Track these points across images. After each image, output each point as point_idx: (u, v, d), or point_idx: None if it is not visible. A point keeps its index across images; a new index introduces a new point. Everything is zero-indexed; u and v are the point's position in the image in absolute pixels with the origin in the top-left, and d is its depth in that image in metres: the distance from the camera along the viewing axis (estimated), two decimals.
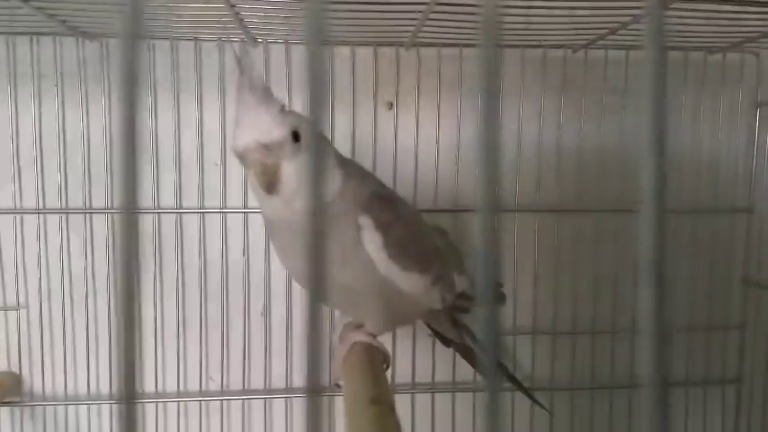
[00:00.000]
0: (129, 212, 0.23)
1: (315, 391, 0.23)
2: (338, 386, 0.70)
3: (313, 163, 0.55)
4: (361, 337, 0.71)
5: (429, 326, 0.87)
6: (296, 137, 0.57)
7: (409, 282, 0.67)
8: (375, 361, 0.67)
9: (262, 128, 0.56)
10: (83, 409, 0.95)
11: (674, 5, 0.72)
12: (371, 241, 0.63)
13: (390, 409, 0.53)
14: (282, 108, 0.58)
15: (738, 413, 1.04)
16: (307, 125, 0.60)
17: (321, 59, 0.23)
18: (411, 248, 0.67)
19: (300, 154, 0.57)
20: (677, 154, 1.01)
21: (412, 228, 0.70)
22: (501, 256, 0.95)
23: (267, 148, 0.56)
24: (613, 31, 0.85)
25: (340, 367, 0.70)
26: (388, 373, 0.93)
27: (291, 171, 0.57)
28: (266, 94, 0.58)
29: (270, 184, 0.56)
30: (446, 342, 0.87)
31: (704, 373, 1.03)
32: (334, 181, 0.62)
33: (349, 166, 0.66)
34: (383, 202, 0.66)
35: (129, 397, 0.23)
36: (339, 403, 0.78)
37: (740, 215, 1.03)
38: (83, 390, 0.95)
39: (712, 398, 1.05)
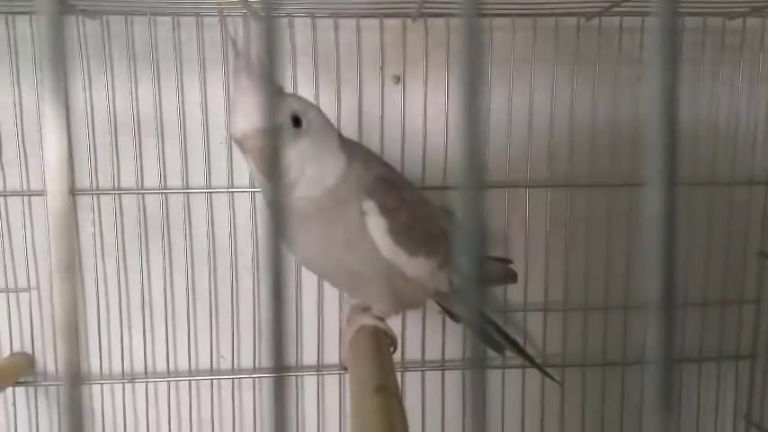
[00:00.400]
0: (65, 194, 0.23)
1: (280, 372, 0.23)
2: (345, 369, 0.69)
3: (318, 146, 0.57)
4: (368, 320, 0.70)
5: (439, 303, 0.86)
6: (296, 121, 0.56)
7: (416, 267, 0.67)
8: (382, 345, 0.66)
9: (260, 112, 0.53)
10: (96, 388, 0.96)
11: None
12: (376, 227, 0.62)
13: (395, 398, 0.53)
14: (281, 91, 0.57)
15: (752, 389, 1.03)
16: (309, 109, 0.59)
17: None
18: (417, 233, 0.66)
19: (301, 139, 0.56)
20: (694, 124, 0.98)
21: (417, 211, 0.68)
22: (486, 232, 0.93)
23: (266, 133, 0.52)
24: None
25: (347, 351, 0.69)
26: (398, 351, 0.93)
27: (292, 157, 0.56)
28: (264, 76, 0.55)
29: (270, 170, 0.52)
30: (456, 318, 0.87)
31: (718, 349, 1.02)
32: (338, 165, 0.61)
33: (352, 148, 0.65)
34: (388, 186, 0.64)
35: (74, 379, 0.24)
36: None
37: (758, 187, 1.00)
38: (95, 369, 0.95)
39: (726, 374, 1.04)
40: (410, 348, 0.98)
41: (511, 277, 0.86)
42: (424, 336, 0.98)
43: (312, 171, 0.58)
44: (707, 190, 0.98)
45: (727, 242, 1.00)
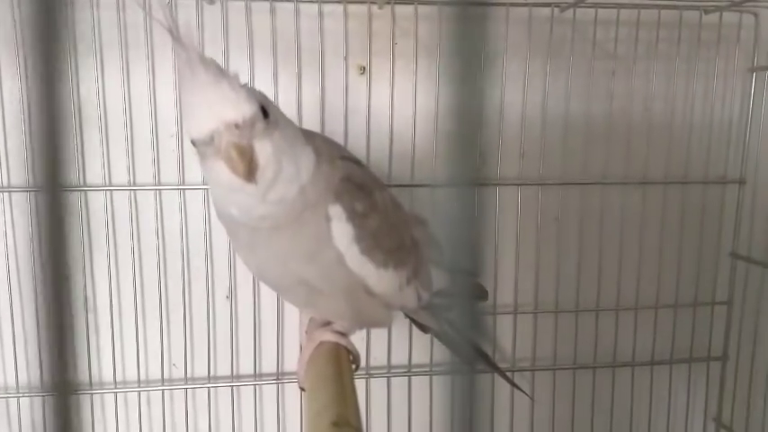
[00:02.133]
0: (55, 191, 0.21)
1: (62, 389, 0.21)
2: (303, 390, 0.63)
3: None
4: (328, 335, 0.64)
5: (406, 314, 0.80)
6: (265, 113, 0.49)
7: (383, 281, 0.61)
8: (343, 367, 0.59)
9: (229, 105, 0.46)
10: (37, 400, 0.88)
11: None
12: (342, 234, 0.56)
13: None
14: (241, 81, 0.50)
15: (722, 391, 1.02)
16: (268, 99, 0.52)
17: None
18: (386, 242, 0.60)
19: (274, 132, 0.49)
20: (668, 120, 0.95)
21: (388, 217, 0.62)
22: (482, 244, 0.89)
23: (239, 127, 0.46)
24: None
25: (303, 371, 0.63)
26: (363, 356, 0.89)
27: (268, 152, 0.48)
28: (219, 67, 0.49)
29: (249, 169, 0.47)
30: (423, 329, 0.81)
31: (689, 350, 1.00)
32: (309, 160, 0.53)
33: (316, 141, 0.57)
34: (356, 188, 0.58)
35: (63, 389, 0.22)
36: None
37: (731, 186, 0.98)
38: (35, 379, 0.88)
39: (697, 376, 1.02)
40: (376, 353, 0.93)
41: (481, 294, 0.77)
42: (390, 340, 0.93)
43: (289, 168, 0.50)
44: (680, 188, 0.96)
45: (699, 242, 0.97)
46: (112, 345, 0.88)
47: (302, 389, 0.64)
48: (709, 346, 1.01)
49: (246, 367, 0.91)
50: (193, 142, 0.49)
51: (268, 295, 0.89)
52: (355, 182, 0.58)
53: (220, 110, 0.46)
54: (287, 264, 0.57)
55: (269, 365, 0.92)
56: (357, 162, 0.63)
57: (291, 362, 0.91)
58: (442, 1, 0.85)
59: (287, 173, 0.50)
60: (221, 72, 0.48)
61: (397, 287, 0.63)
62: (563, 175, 0.93)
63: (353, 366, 0.64)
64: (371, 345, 0.93)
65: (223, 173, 0.48)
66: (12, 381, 0.87)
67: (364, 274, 0.59)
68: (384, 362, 0.94)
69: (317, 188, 0.54)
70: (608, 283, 0.96)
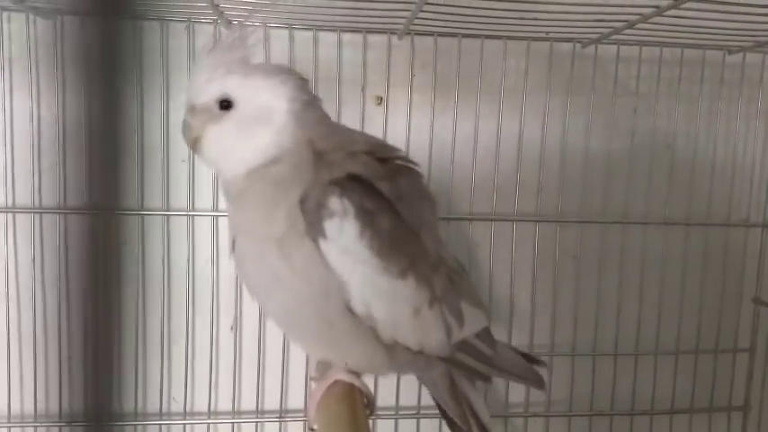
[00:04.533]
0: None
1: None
2: (312, 430, 0.60)
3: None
4: (342, 375, 0.59)
5: (436, 403, 0.70)
6: (226, 105, 0.54)
7: (392, 293, 0.53)
8: (357, 409, 0.54)
9: (194, 93, 0.55)
10: (28, 431, 0.85)
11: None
12: (344, 231, 0.51)
13: None
14: (229, 68, 0.54)
15: None
16: (250, 89, 0.54)
17: None
18: (405, 242, 0.55)
19: (226, 122, 0.54)
20: (691, 161, 0.92)
21: (408, 213, 0.55)
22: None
23: (194, 110, 0.55)
24: (631, 25, 0.76)
25: (314, 411, 0.58)
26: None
27: (211, 134, 0.55)
28: (210, 61, 0.55)
29: (191, 142, 0.56)
30: (453, 425, 0.68)
31: (709, 399, 0.96)
32: (269, 151, 0.54)
33: (343, 136, 0.58)
34: (365, 185, 0.54)
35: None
36: None
37: (754, 230, 0.95)
38: (29, 409, 0.84)
39: (718, 426, 0.97)
40: (383, 393, 0.89)
41: (535, 381, 0.66)
42: (399, 379, 0.89)
43: (231, 149, 0.55)
44: (702, 230, 0.93)
45: (721, 286, 0.94)
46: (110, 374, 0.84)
47: (312, 429, 0.60)
48: (731, 394, 0.97)
49: (249, 403, 0.88)
50: None
51: (274, 326, 0.86)
52: (362, 179, 0.54)
53: (189, 93, 0.56)
54: (250, 248, 0.55)
55: (272, 401, 0.88)
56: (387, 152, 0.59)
57: (295, 399, 0.87)
58: (462, 33, 0.84)
59: (231, 154, 0.55)
60: (201, 65, 0.56)
61: (411, 310, 0.55)
62: (581, 212, 0.90)
63: (367, 412, 0.59)
64: (378, 383, 0.89)
65: None
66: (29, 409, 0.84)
67: (369, 283, 0.53)
68: (392, 402, 0.90)
69: (291, 167, 0.54)
70: (627, 326, 0.93)
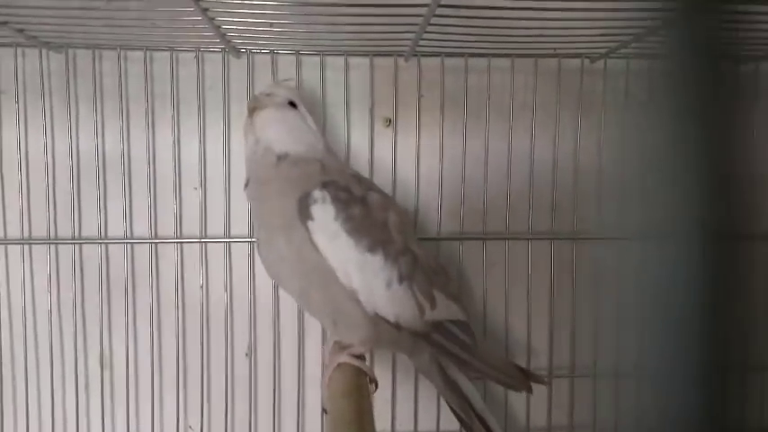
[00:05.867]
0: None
1: None
2: (325, 411, 0.65)
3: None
4: (344, 357, 0.67)
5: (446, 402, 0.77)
6: (292, 104, 0.71)
7: (365, 266, 0.64)
8: (362, 386, 0.63)
9: (272, 88, 0.72)
10: None
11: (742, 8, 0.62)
12: (323, 213, 0.64)
13: None
14: (293, 90, 0.74)
15: None
16: (304, 108, 0.71)
17: None
18: (373, 228, 0.66)
19: (286, 110, 0.70)
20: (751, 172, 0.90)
21: (376, 212, 0.68)
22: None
23: (268, 96, 0.70)
24: (639, 38, 0.75)
25: (325, 391, 0.66)
26: (388, 422, 0.84)
27: (272, 113, 0.69)
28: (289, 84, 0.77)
29: (252, 110, 0.69)
30: (464, 423, 0.76)
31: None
32: (312, 145, 0.70)
33: (346, 169, 0.73)
34: (342, 188, 0.67)
35: None
36: None
37: None
38: None
39: None
40: (401, 418, 0.88)
41: (519, 384, 0.73)
42: (417, 404, 0.88)
43: (277, 131, 0.68)
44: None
45: None
46: (126, 403, 0.85)
47: (324, 410, 0.67)
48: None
49: (265, 429, 0.87)
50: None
51: (289, 351, 0.86)
52: (340, 184, 0.67)
53: (265, 88, 0.73)
54: (268, 220, 0.67)
55: (289, 427, 0.87)
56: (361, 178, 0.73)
57: (312, 426, 0.86)
58: (468, 53, 0.84)
59: (276, 131, 0.68)
60: (284, 83, 0.78)
61: (384, 281, 0.65)
62: (598, 228, 0.89)
63: (372, 387, 0.67)
64: (396, 408, 0.88)
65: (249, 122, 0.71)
66: None
67: (345, 257, 0.64)
68: (411, 427, 0.88)
69: (304, 170, 0.67)
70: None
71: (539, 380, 0.74)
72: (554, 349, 0.89)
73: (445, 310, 0.69)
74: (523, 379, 0.72)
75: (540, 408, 0.89)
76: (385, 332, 0.67)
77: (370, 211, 0.67)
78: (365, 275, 0.64)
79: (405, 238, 0.69)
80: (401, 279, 0.66)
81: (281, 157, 0.67)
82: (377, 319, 0.66)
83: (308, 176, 0.66)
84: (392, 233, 0.68)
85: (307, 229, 0.64)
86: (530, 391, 0.73)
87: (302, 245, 0.64)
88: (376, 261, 0.65)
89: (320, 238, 0.64)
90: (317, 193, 0.65)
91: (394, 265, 0.66)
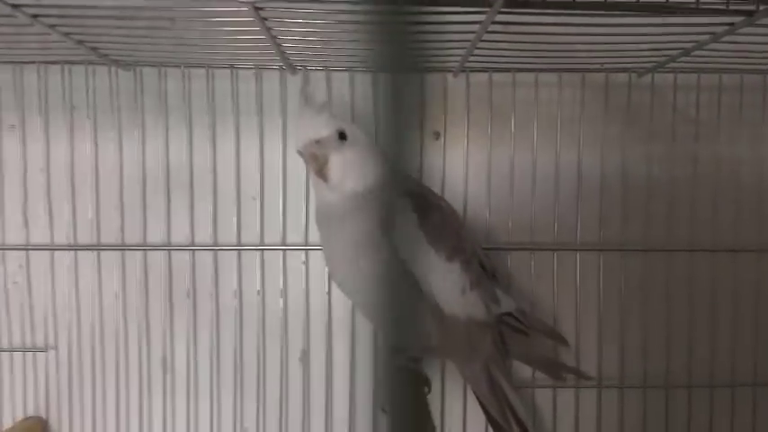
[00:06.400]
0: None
1: None
2: (384, 411, 0.68)
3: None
4: (400, 361, 0.71)
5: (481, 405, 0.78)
6: (342, 136, 0.68)
7: (447, 274, 0.68)
8: (419, 387, 0.69)
9: (314, 128, 0.67)
10: None
11: (759, 22, 0.63)
12: (406, 221, 0.67)
13: None
14: (330, 114, 0.69)
15: None
16: (354, 128, 0.70)
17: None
18: (450, 239, 0.69)
19: (345, 148, 0.68)
20: (756, 185, 0.91)
21: (450, 223, 0.71)
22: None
23: (318, 143, 0.67)
24: (687, 52, 0.76)
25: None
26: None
27: (337, 161, 0.67)
28: (320, 105, 0.69)
29: (320, 170, 0.67)
30: (498, 429, 0.77)
31: None
32: (377, 171, 0.69)
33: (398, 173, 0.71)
34: (420, 196, 0.70)
35: None
36: None
37: None
38: None
39: None
40: (450, 427, 0.90)
41: (560, 339, 0.84)
42: (466, 412, 0.89)
43: (354, 172, 0.68)
44: (755, 257, 0.90)
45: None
46: (187, 405, 0.89)
47: (383, 410, 0.71)
48: None
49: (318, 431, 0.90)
50: (299, 153, 0.69)
51: (341, 353, 0.89)
52: (417, 193, 0.71)
53: (308, 131, 0.68)
54: (346, 252, 0.68)
55: (340, 428, 0.89)
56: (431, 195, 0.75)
57: (362, 427, 0.89)
58: (515, 69, 0.87)
59: (352, 175, 0.68)
60: (316, 109, 0.69)
61: (459, 289, 0.69)
62: (646, 240, 0.90)
63: (426, 389, 0.73)
64: (446, 422, 0.89)
65: (311, 172, 0.69)
66: None
67: (427, 264, 0.67)
68: None
69: (384, 191, 0.68)
70: (700, 358, 0.90)
71: (584, 376, 0.84)
72: (602, 362, 0.90)
73: (506, 304, 0.76)
74: (563, 337, 0.83)
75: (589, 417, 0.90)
76: (453, 332, 0.71)
77: (446, 218, 0.71)
78: (445, 283, 0.69)
79: (472, 244, 0.74)
80: (472, 285, 0.71)
81: (364, 194, 0.68)
82: (449, 320, 0.70)
83: (383, 193, 0.69)
84: (464, 241, 0.72)
85: (391, 238, 0.65)
86: (566, 344, 0.84)
87: (384, 255, 0.65)
88: (454, 269, 0.69)
89: (403, 247, 0.66)
90: (400, 203, 0.68)
91: (467, 273, 0.70)
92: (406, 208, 0.68)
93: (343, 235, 0.69)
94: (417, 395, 0.66)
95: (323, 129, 0.67)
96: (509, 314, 0.77)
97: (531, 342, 0.78)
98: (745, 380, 0.90)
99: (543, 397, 0.91)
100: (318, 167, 0.67)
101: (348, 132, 0.69)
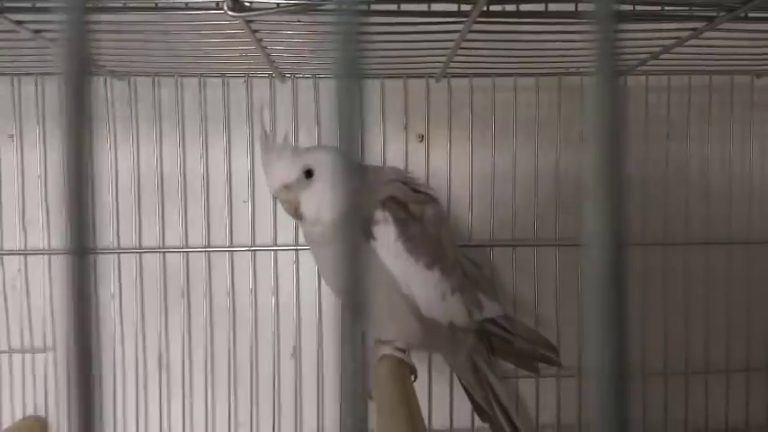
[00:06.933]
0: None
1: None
2: (371, 397, 0.70)
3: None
4: (387, 350, 0.73)
5: (465, 391, 0.84)
6: (309, 174, 0.70)
7: (427, 282, 0.70)
8: (404, 375, 0.71)
9: (280, 173, 0.70)
10: None
11: (720, 27, 0.68)
12: (386, 234, 0.69)
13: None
14: (295, 150, 0.71)
15: None
16: (320, 159, 0.70)
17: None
18: (428, 247, 0.71)
19: (314, 183, 0.69)
20: (727, 183, 0.95)
21: (428, 228, 0.72)
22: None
23: (288, 187, 0.69)
24: (656, 56, 0.80)
25: (371, 382, 0.73)
26: (425, 419, 0.89)
27: (309, 200, 0.69)
28: (283, 143, 0.71)
29: (295, 213, 0.70)
30: (482, 413, 0.84)
31: (744, 420, 0.96)
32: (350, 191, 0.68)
33: (378, 172, 0.75)
34: (399, 203, 0.71)
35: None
36: None
37: None
38: None
39: None
40: (437, 414, 0.93)
41: (548, 347, 0.82)
42: (452, 402, 0.93)
43: (327, 204, 0.69)
44: (742, 249, 0.95)
45: (763, 305, 0.95)
46: (183, 402, 0.92)
47: (370, 396, 0.71)
48: None
49: (310, 426, 0.93)
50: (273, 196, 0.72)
51: (331, 351, 0.92)
52: (399, 200, 0.71)
53: (275, 178, 0.70)
54: (336, 270, 0.68)
55: (331, 419, 0.93)
56: (414, 184, 0.76)
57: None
58: (494, 74, 0.90)
59: (326, 207, 0.69)
60: (282, 147, 0.70)
61: (439, 294, 0.72)
62: (666, 235, 0.94)
63: (412, 377, 0.75)
64: (433, 406, 0.93)
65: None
66: None
67: (406, 273, 0.70)
68: (446, 424, 0.93)
69: (360, 209, 0.66)
70: (698, 346, 0.95)
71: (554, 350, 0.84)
72: (583, 350, 0.94)
73: (490, 309, 0.78)
74: (551, 344, 0.82)
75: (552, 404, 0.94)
76: (436, 331, 0.74)
77: (426, 228, 0.72)
78: (425, 289, 0.71)
79: (454, 251, 0.76)
80: (453, 291, 0.73)
81: (341, 216, 0.70)
82: (431, 322, 0.73)
83: (366, 202, 0.69)
84: (445, 249, 0.74)
85: (370, 247, 0.68)
86: (554, 352, 0.82)
87: (369, 263, 0.69)
88: (433, 277, 0.72)
89: (383, 255, 0.69)
90: (379, 215, 0.70)
91: (447, 280, 0.73)
92: (387, 220, 0.70)
93: (332, 258, 0.71)
94: (404, 380, 0.69)
95: (289, 172, 0.69)
96: (493, 320, 0.78)
97: (516, 348, 0.80)
98: (739, 365, 0.95)
99: (526, 386, 0.94)
100: (293, 210, 0.70)
101: (313, 166, 0.70)
